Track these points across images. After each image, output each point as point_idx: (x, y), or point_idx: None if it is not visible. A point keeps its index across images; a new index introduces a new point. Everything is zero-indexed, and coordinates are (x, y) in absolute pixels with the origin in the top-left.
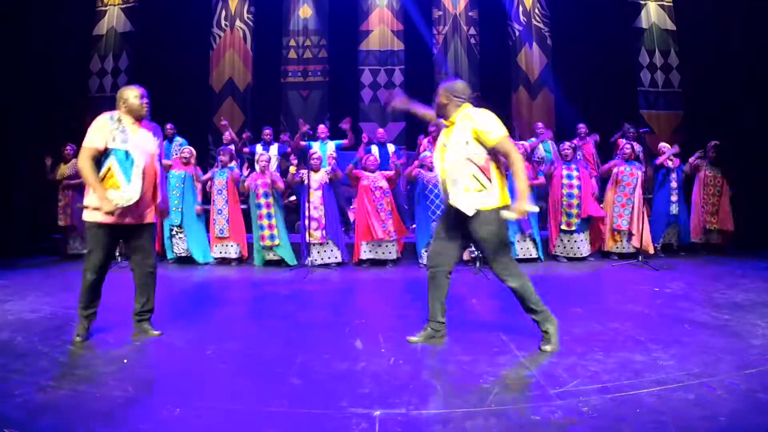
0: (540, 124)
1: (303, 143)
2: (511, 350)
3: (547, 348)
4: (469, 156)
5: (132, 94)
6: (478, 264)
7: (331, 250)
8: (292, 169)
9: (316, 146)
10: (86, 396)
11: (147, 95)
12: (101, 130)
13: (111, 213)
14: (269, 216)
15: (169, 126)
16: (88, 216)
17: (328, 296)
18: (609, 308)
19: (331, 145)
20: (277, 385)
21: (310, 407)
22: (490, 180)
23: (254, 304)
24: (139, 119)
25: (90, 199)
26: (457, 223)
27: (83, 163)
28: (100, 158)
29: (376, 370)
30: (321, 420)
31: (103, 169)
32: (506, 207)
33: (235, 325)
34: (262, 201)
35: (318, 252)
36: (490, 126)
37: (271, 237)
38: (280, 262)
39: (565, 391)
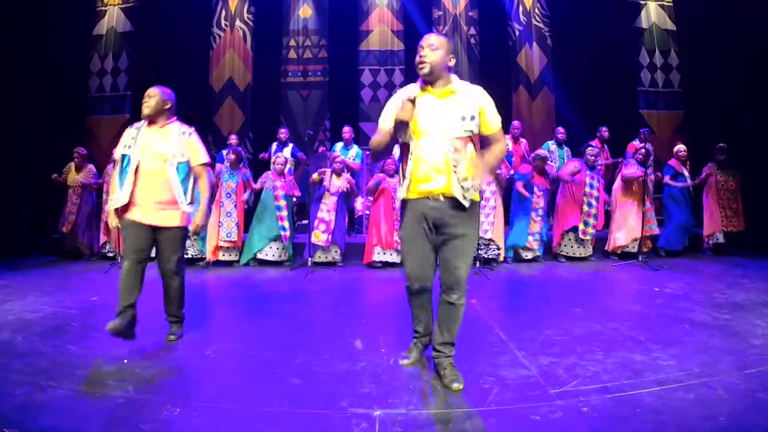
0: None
1: (323, 149)
2: (511, 350)
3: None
4: (470, 135)
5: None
6: (477, 264)
7: (332, 251)
8: (316, 177)
9: (338, 149)
10: (86, 396)
11: (147, 94)
12: (122, 140)
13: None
14: (289, 217)
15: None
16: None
17: (328, 296)
18: (609, 308)
19: (353, 151)
20: (277, 385)
21: (310, 407)
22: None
23: (254, 304)
24: (151, 121)
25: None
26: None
27: (113, 173)
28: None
29: (376, 370)
30: (321, 420)
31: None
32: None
33: (235, 325)
34: (282, 203)
35: (318, 252)
36: (495, 112)
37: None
38: (282, 262)
39: (565, 391)
